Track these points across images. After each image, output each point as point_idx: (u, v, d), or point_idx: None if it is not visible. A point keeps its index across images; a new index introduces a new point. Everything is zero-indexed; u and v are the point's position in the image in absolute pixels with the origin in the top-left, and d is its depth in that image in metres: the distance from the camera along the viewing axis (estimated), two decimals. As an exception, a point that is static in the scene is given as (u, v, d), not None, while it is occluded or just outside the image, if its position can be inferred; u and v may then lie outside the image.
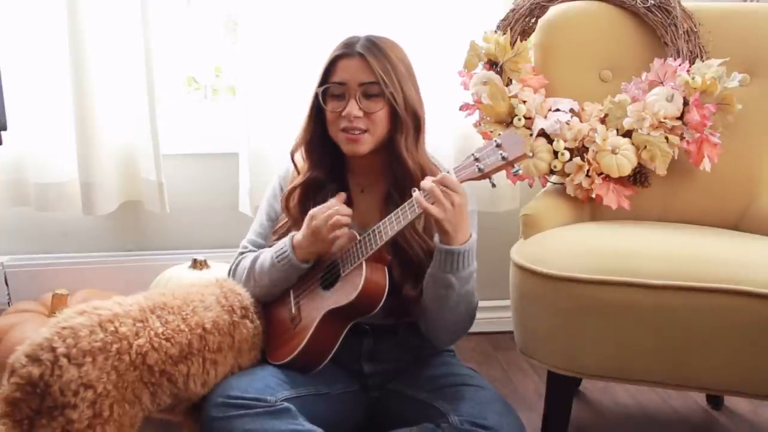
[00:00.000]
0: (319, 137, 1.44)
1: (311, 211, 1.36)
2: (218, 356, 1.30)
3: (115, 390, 1.14)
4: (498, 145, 1.22)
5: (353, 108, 1.36)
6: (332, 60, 1.40)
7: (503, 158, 1.20)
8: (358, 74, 1.37)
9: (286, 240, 1.40)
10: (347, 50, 1.39)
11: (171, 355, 1.22)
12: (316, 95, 1.41)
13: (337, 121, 1.39)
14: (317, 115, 1.43)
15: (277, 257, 1.40)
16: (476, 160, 1.24)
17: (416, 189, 1.26)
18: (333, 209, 1.34)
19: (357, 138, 1.38)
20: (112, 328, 1.17)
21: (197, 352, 1.26)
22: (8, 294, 2.05)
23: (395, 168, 1.41)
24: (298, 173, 1.48)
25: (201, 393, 1.29)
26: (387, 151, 1.42)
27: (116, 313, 1.20)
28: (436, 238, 1.32)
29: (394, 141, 1.40)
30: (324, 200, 1.41)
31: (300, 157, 1.48)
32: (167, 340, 1.22)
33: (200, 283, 1.41)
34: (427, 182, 1.25)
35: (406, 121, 1.39)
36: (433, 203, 1.23)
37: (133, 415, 1.18)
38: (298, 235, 1.39)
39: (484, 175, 1.23)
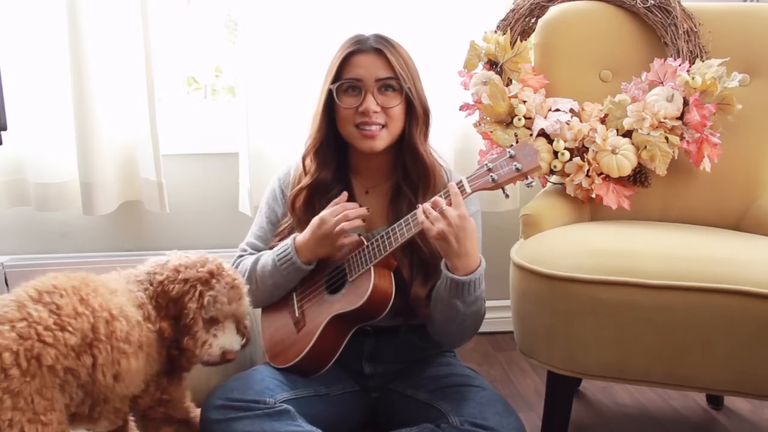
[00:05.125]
0: (328, 137, 1.43)
1: (321, 216, 1.35)
2: (127, 347, 1.11)
3: (18, 413, 0.98)
4: (512, 157, 1.23)
5: (371, 103, 1.35)
6: (345, 57, 1.38)
7: (517, 170, 1.22)
8: (374, 70, 1.36)
9: (287, 241, 1.40)
10: (360, 46, 1.38)
11: (72, 346, 1.04)
12: (329, 93, 1.39)
13: (352, 118, 1.37)
14: (328, 113, 1.41)
15: (279, 259, 1.39)
16: (489, 170, 1.24)
17: (419, 204, 1.27)
18: (343, 213, 1.33)
19: (374, 134, 1.37)
20: None
21: (105, 338, 1.07)
22: (8, 294, 2.05)
23: (408, 163, 1.41)
24: (305, 174, 1.46)
25: (118, 390, 1.11)
26: (395, 149, 1.42)
27: None
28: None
29: (409, 136, 1.40)
30: (329, 203, 1.41)
31: (308, 158, 1.47)
32: (62, 329, 1.03)
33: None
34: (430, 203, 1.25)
35: (420, 115, 1.40)
36: (435, 224, 1.22)
37: (57, 419, 1.02)
38: (301, 236, 1.38)
39: (497, 185, 1.24)
